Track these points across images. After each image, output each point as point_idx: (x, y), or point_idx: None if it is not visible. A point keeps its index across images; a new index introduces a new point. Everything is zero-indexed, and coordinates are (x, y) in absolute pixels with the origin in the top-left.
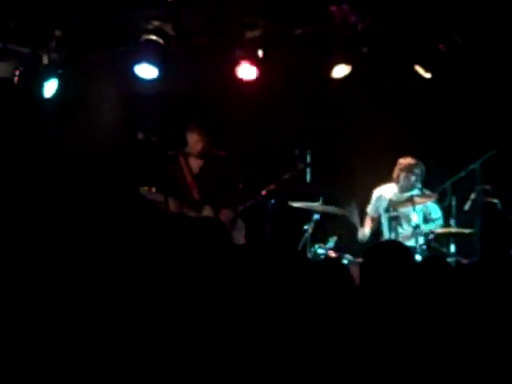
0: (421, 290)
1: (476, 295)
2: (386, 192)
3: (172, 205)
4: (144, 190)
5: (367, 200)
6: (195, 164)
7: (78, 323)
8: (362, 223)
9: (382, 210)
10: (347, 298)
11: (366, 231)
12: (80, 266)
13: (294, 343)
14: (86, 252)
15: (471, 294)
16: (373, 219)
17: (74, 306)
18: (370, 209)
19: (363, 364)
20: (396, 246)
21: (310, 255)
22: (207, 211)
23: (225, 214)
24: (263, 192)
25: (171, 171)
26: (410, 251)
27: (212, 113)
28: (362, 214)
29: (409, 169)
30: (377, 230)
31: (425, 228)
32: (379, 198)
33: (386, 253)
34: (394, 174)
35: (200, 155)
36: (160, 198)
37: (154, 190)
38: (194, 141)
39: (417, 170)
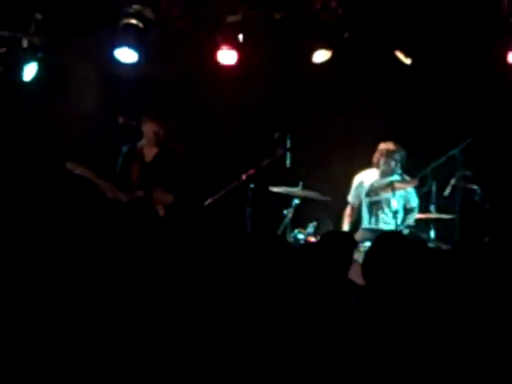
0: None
1: (451, 280)
2: (366, 178)
3: (107, 188)
4: (70, 164)
5: (347, 187)
6: (150, 153)
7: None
8: (339, 221)
9: (363, 196)
10: (330, 284)
11: (344, 228)
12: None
13: (275, 328)
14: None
15: (447, 278)
16: (353, 209)
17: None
18: (350, 196)
19: (348, 351)
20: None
21: (290, 240)
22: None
23: (158, 195)
24: (243, 177)
25: (125, 160)
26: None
27: (192, 97)
28: (342, 206)
29: (389, 154)
30: (356, 221)
31: (408, 220)
32: (360, 184)
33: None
34: (375, 159)
35: (155, 144)
36: (88, 174)
37: (80, 166)
38: (148, 132)
39: (397, 156)
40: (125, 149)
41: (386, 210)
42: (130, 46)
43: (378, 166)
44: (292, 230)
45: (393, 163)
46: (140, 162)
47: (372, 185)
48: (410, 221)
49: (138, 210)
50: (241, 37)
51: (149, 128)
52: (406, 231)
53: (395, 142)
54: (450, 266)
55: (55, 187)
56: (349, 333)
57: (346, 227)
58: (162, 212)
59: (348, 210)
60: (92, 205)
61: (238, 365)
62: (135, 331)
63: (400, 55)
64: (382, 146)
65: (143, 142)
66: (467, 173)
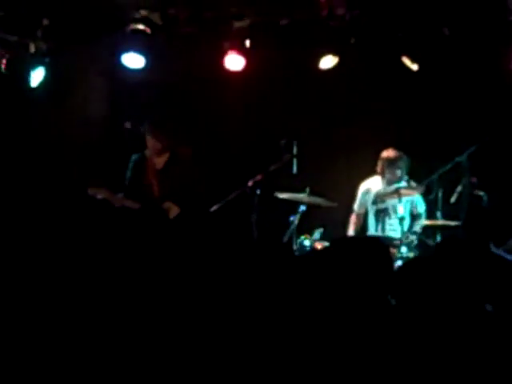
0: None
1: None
2: (372, 185)
3: (115, 200)
4: (93, 190)
5: (353, 194)
6: (160, 160)
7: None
8: (344, 226)
9: (369, 204)
10: (335, 291)
11: (350, 234)
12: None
13: (279, 334)
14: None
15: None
16: (358, 217)
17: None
18: (356, 205)
19: (349, 353)
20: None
21: (295, 247)
22: (166, 207)
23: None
24: (249, 183)
25: (136, 169)
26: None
27: (198, 102)
28: (347, 213)
29: (393, 162)
30: (361, 228)
31: (415, 228)
32: (366, 191)
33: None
34: (379, 168)
35: (163, 152)
36: (107, 195)
37: (103, 190)
38: (152, 143)
39: (401, 163)
40: (134, 157)
41: (393, 216)
42: (137, 52)
43: (383, 175)
44: (298, 237)
45: (398, 171)
46: (152, 170)
47: (378, 192)
48: (417, 227)
49: (152, 216)
50: (248, 42)
51: (155, 141)
52: (412, 237)
53: (402, 148)
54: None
55: (62, 193)
56: (337, 329)
57: (351, 233)
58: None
59: (353, 218)
60: (102, 212)
61: (243, 372)
62: (140, 337)
63: (407, 61)
64: (384, 154)
65: (147, 152)
66: (473, 180)
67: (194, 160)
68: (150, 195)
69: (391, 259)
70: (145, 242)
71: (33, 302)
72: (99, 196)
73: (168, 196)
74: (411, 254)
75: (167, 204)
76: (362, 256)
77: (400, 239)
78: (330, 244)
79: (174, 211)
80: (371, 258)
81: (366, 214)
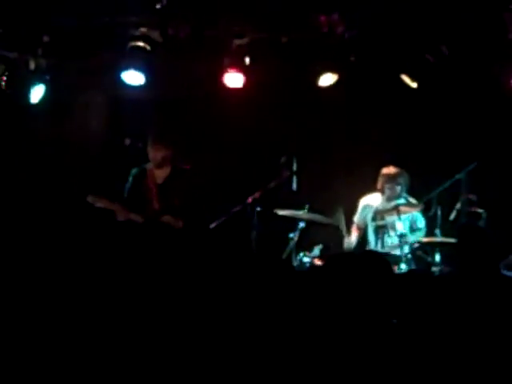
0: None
1: (454, 303)
2: (372, 201)
3: (119, 212)
4: (92, 198)
5: (354, 208)
6: (161, 174)
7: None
8: (348, 231)
9: (368, 220)
10: (335, 307)
11: (352, 240)
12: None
13: (278, 351)
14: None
15: (450, 302)
16: (359, 228)
17: None
18: (356, 218)
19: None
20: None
21: (295, 263)
22: (165, 220)
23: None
24: (249, 200)
25: (136, 182)
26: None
27: (198, 119)
28: (349, 223)
29: (393, 179)
30: (363, 239)
31: (410, 238)
32: (366, 207)
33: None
34: (379, 185)
35: (163, 165)
36: (110, 205)
37: (102, 199)
38: (153, 155)
39: (400, 180)
40: (135, 171)
41: (392, 233)
42: (137, 69)
43: (383, 192)
44: (297, 253)
45: (398, 188)
46: (152, 184)
47: (377, 208)
48: (412, 238)
49: (155, 230)
50: (247, 60)
51: (156, 152)
52: (406, 249)
53: (401, 165)
54: (453, 291)
55: (63, 207)
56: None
57: (353, 238)
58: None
59: (355, 227)
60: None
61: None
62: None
63: (406, 79)
64: (385, 170)
65: (151, 164)
66: (472, 197)
67: (194, 176)
68: (150, 208)
69: (393, 274)
70: (147, 254)
71: (28, 307)
72: (98, 204)
73: (167, 210)
74: None
75: (167, 217)
76: (363, 271)
77: (399, 256)
78: (327, 260)
79: (175, 224)
80: (372, 274)
81: (365, 229)
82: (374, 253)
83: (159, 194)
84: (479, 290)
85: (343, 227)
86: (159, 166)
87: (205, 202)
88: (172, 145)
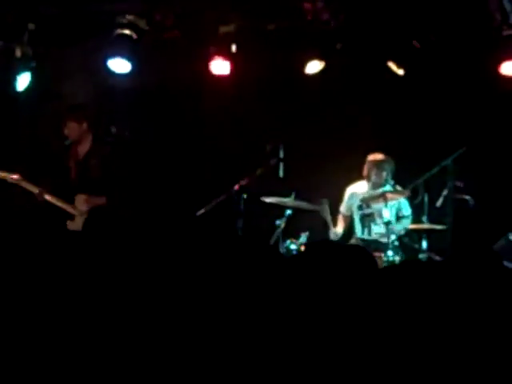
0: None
1: (446, 291)
2: (358, 189)
3: (36, 192)
4: (2, 174)
5: (340, 198)
6: (81, 150)
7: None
8: (334, 222)
9: (354, 208)
10: (323, 293)
11: (338, 231)
12: None
13: (266, 339)
14: None
15: (441, 289)
16: (345, 218)
17: None
18: (342, 207)
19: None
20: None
21: (282, 250)
22: (80, 198)
23: (80, 200)
24: (235, 187)
25: (60, 161)
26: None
27: (184, 107)
28: (335, 213)
29: (379, 165)
30: (349, 229)
31: (396, 226)
32: (352, 195)
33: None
34: (365, 172)
35: (81, 141)
36: (22, 182)
37: (15, 175)
38: (66, 131)
39: (387, 166)
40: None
41: (378, 221)
42: (123, 57)
43: (369, 179)
44: (284, 241)
45: (384, 174)
46: (72, 162)
47: (364, 196)
48: (399, 227)
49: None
50: (234, 47)
51: (69, 129)
52: (393, 237)
53: (387, 153)
54: (443, 277)
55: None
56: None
57: (340, 229)
58: (80, 219)
59: (341, 217)
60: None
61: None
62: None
63: (392, 66)
64: (371, 157)
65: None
66: (459, 184)
67: (116, 151)
68: (68, 182)
69: (375, 263)
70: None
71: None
72: (10, 180)
73: (85, 187)
74: (397, 258)
75: (81, 196)
76: (342, 259)
77: (386, 243)
78: (307, 247)
79: (84, 204)
80: (354, 263)
81: (352, 218)
82: (361, 247)
83: (77, 170)
84: (478, 280)
85: (328, 218)
86: (76, 142)
87: (119, 191)
88: (86, 119)
